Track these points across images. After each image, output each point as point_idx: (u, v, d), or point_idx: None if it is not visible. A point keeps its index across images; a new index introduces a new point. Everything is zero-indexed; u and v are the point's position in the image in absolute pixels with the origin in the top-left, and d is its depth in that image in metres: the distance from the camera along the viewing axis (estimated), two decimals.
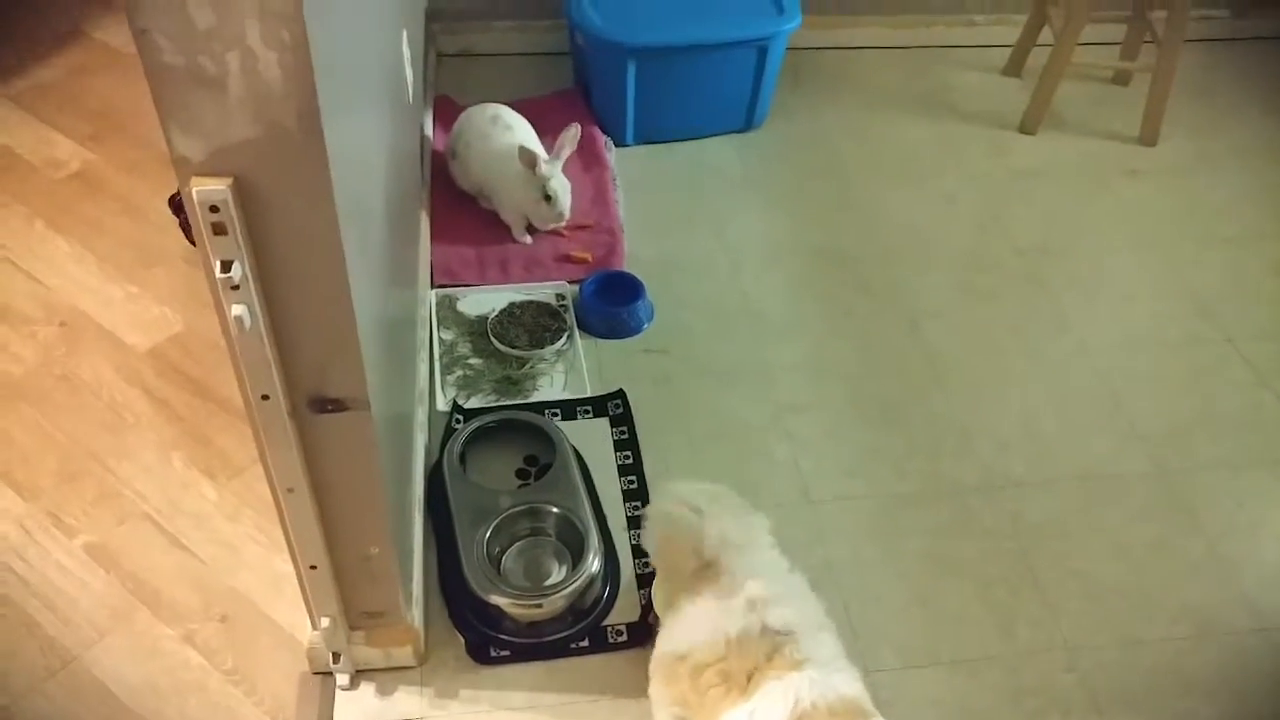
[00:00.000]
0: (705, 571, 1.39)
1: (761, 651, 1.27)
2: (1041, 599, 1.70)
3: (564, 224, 2.28)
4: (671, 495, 1.47)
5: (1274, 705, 1.58)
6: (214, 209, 1.02)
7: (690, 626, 1.35)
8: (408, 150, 2.03)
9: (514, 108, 2.38)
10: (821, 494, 1.85)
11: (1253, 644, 1.65)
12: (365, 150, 1.37)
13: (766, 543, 1.44)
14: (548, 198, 2.24)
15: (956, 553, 1.77)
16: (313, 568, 1.41)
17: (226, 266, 1.06)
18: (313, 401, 1.23)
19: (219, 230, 1.04)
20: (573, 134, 2.24)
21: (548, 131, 2.38)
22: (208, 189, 1.01)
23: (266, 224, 1.06)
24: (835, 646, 1.31)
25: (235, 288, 1.09)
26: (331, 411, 1.25)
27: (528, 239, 2.31)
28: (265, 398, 1.20)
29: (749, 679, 1.25)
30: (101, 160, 2.45)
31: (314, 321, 1.16)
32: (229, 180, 1.02)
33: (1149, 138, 2.69)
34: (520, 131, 2.33)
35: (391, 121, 1.72)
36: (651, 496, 1.69)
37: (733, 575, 1.36)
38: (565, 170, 2.28)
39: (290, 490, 1.31)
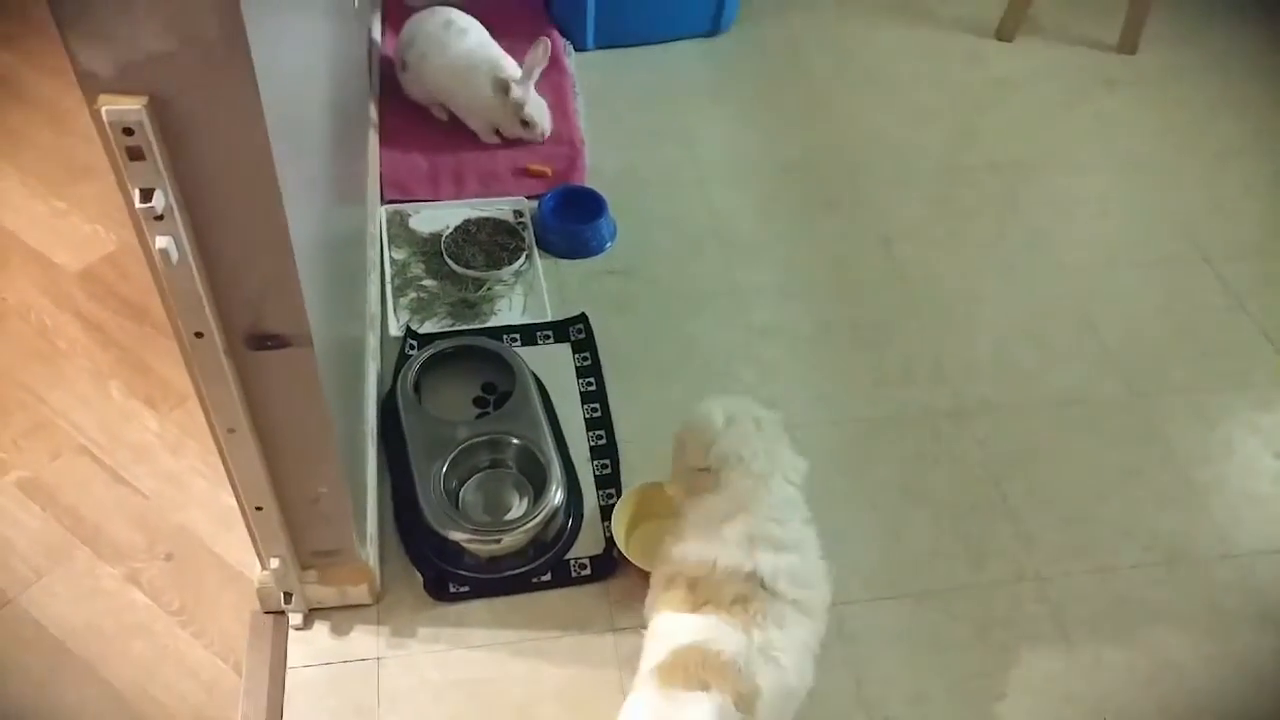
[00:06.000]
0: (705, 479, 1.36)
1: (733, 590, 1.25)
2: (1013, 528, 1.67)
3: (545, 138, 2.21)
4: (720, 401, 1.42)
5: (1242, 631, 1.57)
6: (128, 131, 0.92)
7: (686, 540, 1.32)
8: (353, 59, 1.90)
9: (466, 10, 2.23)
10: (790, 420, 1.77)
11: (1222, 571, 1.64)
12: (301, 62, 1.26)
13: (791, 481, 1.37)
14: (525, 123, 2.15)
15: (927, 481, 1.73)
16: (259, 509, 1.33)
17: (147, 195, 0.96)
18: (250, 338, 1.15)
19: (135, 155, 0.94)
20: (542, 50, 2.10)
21: (503, 36, 2.24)
22: (120, 109, 0.90)
23: (190, 147, 0.96)
24: (809, 634, 1.29)
25: (159, 218, 0.99)
26: (271, 348, 1.16)
27: (495, 139, 2.21)
28: (199, 335, 1.11)
29: (704, 603, 1.25)
30: (19, 62, 2.27)
31: (248, 253, 1.07)
32: (144, 99, 0.91)
33: (1129, 45, 2.60)
34: (475, 35, 2.19)
35: (334, 29, 1.59)
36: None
37: (729, 495, 1.32)
38: None
39: (231, 431, 1.22)
